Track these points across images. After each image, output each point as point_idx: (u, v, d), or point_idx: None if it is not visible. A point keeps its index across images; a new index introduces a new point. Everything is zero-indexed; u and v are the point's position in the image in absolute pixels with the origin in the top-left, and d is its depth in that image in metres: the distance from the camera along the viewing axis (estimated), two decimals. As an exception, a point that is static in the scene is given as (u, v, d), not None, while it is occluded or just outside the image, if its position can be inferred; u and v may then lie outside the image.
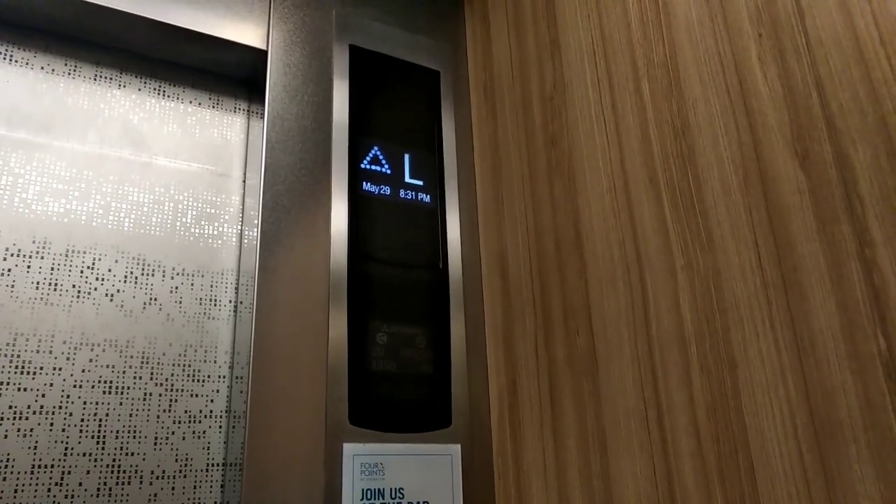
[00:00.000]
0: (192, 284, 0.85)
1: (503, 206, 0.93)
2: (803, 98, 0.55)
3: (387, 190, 0.92)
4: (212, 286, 0.86)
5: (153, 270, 0.83)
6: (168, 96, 0.93)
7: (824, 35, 0.55)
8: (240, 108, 0.98)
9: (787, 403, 0.53)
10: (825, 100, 0.54)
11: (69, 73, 0.87)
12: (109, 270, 0.81)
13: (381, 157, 0.94)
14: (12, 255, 0.76)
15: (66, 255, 0.79)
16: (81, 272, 0.79)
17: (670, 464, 0.62)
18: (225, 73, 0.97)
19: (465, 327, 0.90)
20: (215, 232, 0.89)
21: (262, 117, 0.89)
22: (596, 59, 0.80)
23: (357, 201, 0.89)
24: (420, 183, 0.95)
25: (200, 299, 0.85)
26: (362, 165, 0.91)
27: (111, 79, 0.89)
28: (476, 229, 0.98)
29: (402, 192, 0.93)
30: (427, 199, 0.95)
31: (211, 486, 0.78)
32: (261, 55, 0.92)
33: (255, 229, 0.85)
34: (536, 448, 0.79)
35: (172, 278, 0.84)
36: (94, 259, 0.80)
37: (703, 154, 0.64)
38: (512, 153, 0.93)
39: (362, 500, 0.75)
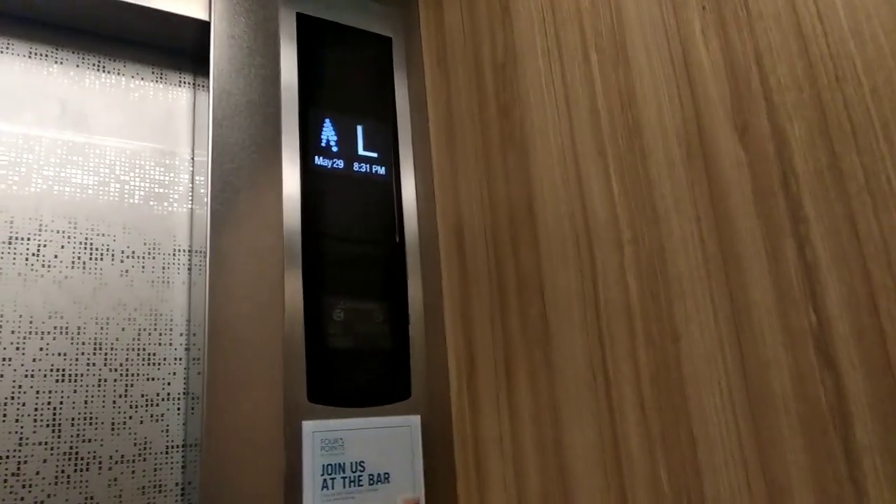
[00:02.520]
0: (143, 267, 0.84)
1: (459, 177, 0.93)
2: (743, 71, 0.55)
3: (340, 164, 0.91)
4: (164, 268, 0.85)
5: (101, 255, 0.82)
6: (108, 71, 0.89)
7: (765, 9, 0.54)
8: (185, 82, 0.95)
9: (725, 375, 0.54)
10: (764, 74, 0.54)
11: (1, 51, 0.83)
12: (56, 256, 0.79)
13: (332, 129, 0.92)
14: (-49, 244, 0.74)
15: (10, 243, 0.77)
16: (27, 259, 0.78)
17: (617, 433, 0.64)
18: (167, 46, 0.93)
19: (423, 300, 0.91)
20: (165, 212, 0.87)
21: (208, 91, 0.86)
22: (546, 27, 0.79)
23: (309, 177, 0.88)
24: (374, 155, 0.94)
25: (152, 281, 0.84)
26: (314, 139, 0.90)
27: (46, 55, 0.86)
28: (432, 201, 0.97)
29: (355, 166, 0.92)
30: (382, 171, 0.94)
31: (171, 468, 0.78)
32: (203, 26, 0.89)
33: (206, 209, 0.83)
34: (493, 418, 0.81)
35: (122, 261, 0.83)
36: (40, 245, 0.79)
37: (648, 126, 0.64)
38: (466, 123, 0.92)
39: (322, 475, 0.76)
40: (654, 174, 0.63)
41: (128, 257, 0.83)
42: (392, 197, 0.94)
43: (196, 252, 0.86)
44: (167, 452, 0.79)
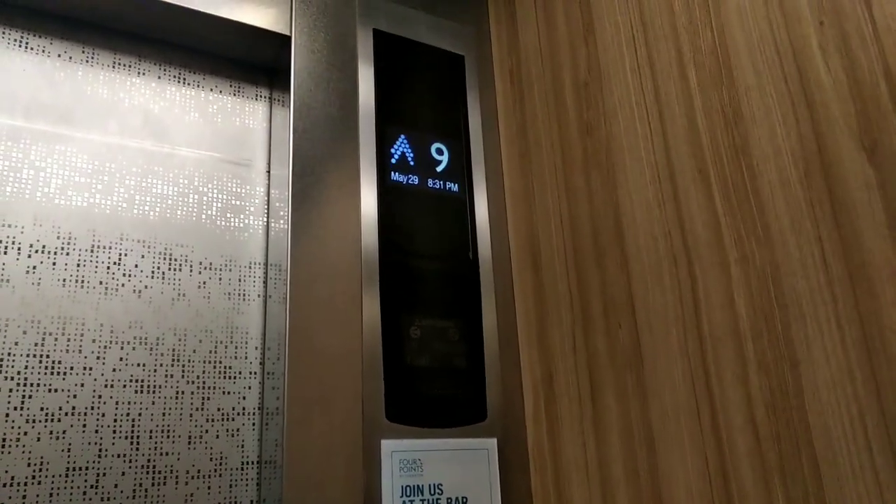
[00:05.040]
0: (220, 279, 0.83)
1: (534, 195, 0.92)
2: (870, 88, 0.54)
3: (415, 180, 0.90)
4: (240, 280, 0.84)
5: (180, 265, 0.81)
6: (188, 84, 0.90)
7: (893, 23, 0.53)
8: (261, 96, 0.95)
9: (855, 402, 0.52)
10: (894, 89, 0.52)
11: (87, 61, 0.84)
12: (136, 266, 0.79)
13: (408, 145, 0.91)
14: (37, 251, 0.74)
15: (92, 251, 0.77)
16: (108, 268, 0.77)
17: (726, 461, 0.61)
18: (245, 60, 0.94)
19: (497, 319, 0.89)
20: (241, 224, 0.87)
21: (286, 105, 0.86)
22: (636, 44, 0.78)
23: (386, 192, 0.87)
24: (447, 172, 0.93)
25: (229, 294, 0.83)
26: (390, 155, 0.89)
27: (130, 66, 0.86)
28: (505, 219, 0.96)
29: (430, 182, 0.91)
30: (455, 188, 0.93)
31: (247, 485, 0.77)
32: (284, 41, 0.89)
33: (282, 221, 0.83)
34: (576, 442, 0.78)
35: (200, 273, 0.82)
36: (121, 254, 0.78)
37: (758, 145, 0.62)
38: (542, 141, 0.91)
39: (402, 497, 0.74)
40: (765, 194, 0.61)
41: (205, 269, 0.82)
42: (465, 214, 0.92)
43: (272, 265, 0.86)
44: (242, 468, 0.77)
